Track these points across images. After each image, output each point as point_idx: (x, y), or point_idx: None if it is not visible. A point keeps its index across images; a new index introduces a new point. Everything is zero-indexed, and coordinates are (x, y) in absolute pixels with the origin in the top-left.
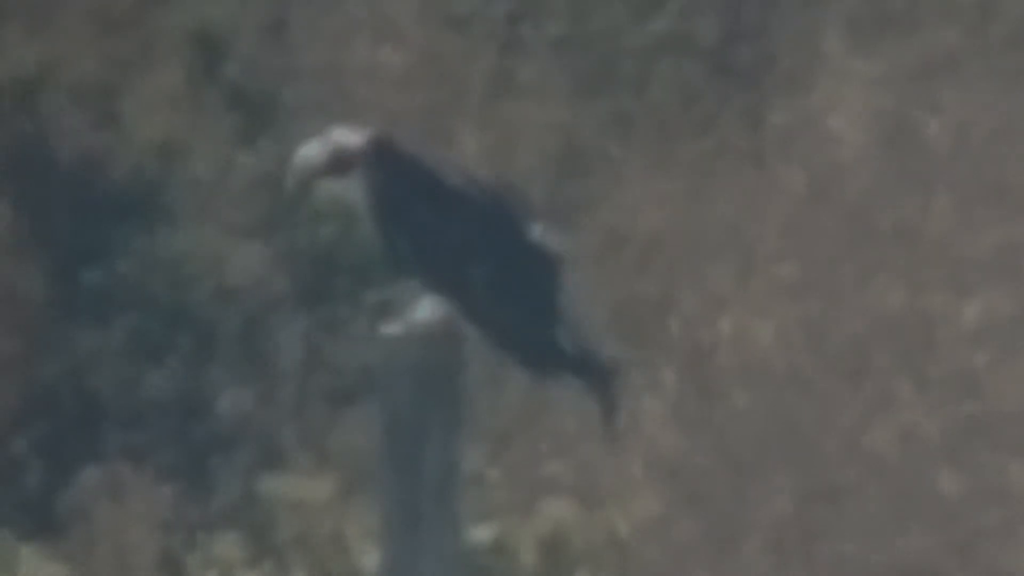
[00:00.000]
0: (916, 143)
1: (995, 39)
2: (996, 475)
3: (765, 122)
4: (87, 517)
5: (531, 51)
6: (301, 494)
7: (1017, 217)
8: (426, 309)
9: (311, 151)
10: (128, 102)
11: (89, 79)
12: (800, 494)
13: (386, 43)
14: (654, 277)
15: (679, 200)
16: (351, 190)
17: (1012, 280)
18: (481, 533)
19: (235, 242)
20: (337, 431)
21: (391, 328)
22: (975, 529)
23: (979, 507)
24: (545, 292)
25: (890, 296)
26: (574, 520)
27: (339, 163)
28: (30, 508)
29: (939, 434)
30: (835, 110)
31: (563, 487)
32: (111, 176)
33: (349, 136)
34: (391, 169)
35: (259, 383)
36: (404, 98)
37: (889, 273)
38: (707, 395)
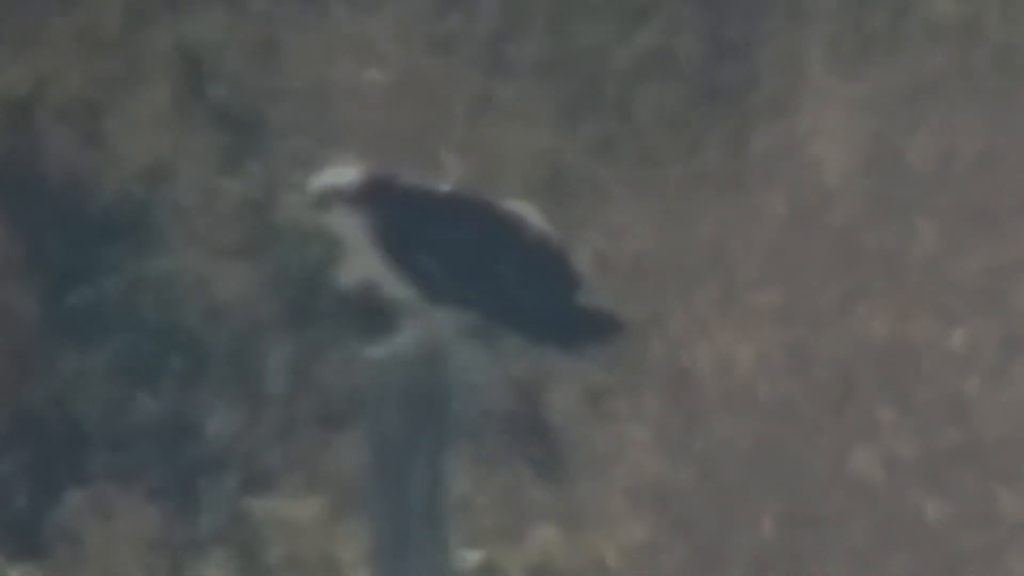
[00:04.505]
0: (900, 167)
1: (979, 62)
2: (981, 501)
3: (748, 146)
4: (75, 539)
5: (514, 72)
6: (289, 515)
7: (1002, 241)
8: (412, 331)
9: (340, 177)
10: (115, 122)
11: (77, 99)
12: (784, 520)
13: (370, 64)
14: (638, 301)
15: (662, 224)
16: (345, 227)
17: (997, 305)
18: (469, 558)
19: (222, 263)
20: (325, 452)
21: (377, 350)
22: (960, 555)
23: (964, 533)
24: (559, 265)
25: (874, 321)
26: (562, 546)
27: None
28: (18, 529)
29: (923, 460)
30: (818, 133)
31: (549, 513)
32: (99, 197)
33: (342, 174)
34: (390, 202)
35: (247, 404)
36: (388, 119)
37: (873, 298)
38: (691, 420)
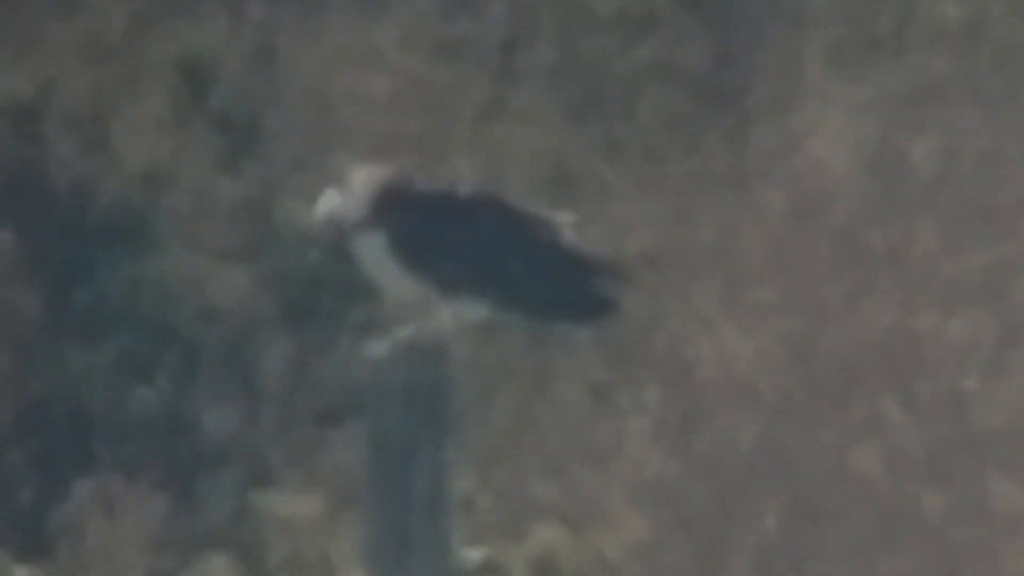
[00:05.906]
0: (902, 165)
1: (981, 63)
2: (981, 495)
3: (750, 145)
4: (78, 535)
5: (522, 77)
6: (289, 513)
7: (1003, 238)
8: (415, 326)
9: (344, 203)
10: (116, 128)
11: (79, 105)
12: (787, 515)
13: (373, 69)
14: (640, 297)
15: (666, 222)
16: (361, 251)
17: (998, 301)
18: (471, 556)
19: (220, 264)
20: (324, 450)
21: (377, 347)
22: (961, 549)
23: (965, 527)
24: (560, 250)
25: (876, 317)
26: (564, 543)
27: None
28: (21, 525)
29: (925, 454)
30: (820, 133)
31: (551, 509)
32: (101, 201)
33: (345, 200)
34: (402, 217)
35: (246, 401)
36: (392, 124)
37: (875, 294)
38: (692, 416)
